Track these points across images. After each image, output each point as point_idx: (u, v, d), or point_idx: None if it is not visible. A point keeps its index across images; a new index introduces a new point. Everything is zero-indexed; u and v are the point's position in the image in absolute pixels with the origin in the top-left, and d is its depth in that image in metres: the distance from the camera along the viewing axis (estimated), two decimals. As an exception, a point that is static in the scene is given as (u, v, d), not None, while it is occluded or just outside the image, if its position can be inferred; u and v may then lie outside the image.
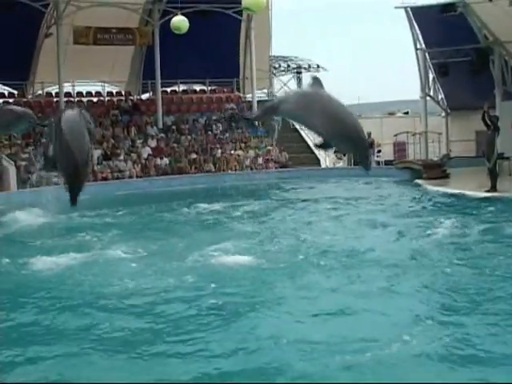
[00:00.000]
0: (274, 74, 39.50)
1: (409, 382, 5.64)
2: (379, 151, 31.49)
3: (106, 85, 34.76)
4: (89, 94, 34.10)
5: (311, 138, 32.39)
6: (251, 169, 29.38)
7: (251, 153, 30.37)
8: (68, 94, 32.61)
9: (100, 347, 6.91)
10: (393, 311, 7.93)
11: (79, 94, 33.76)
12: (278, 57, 40.05)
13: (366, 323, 7.52)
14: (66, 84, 31.52)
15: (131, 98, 34.22)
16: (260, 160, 29.98)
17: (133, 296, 8.82)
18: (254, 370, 6.22)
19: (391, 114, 41.33)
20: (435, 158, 28.82)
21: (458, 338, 6.76)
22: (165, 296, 8.80)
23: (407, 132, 30.88)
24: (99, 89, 34.53)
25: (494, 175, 19.98)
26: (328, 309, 8.09)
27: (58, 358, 6.65)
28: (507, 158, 24.26)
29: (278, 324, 7.60)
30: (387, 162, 30.62)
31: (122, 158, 28.32)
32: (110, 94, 34.61)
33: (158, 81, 31.41)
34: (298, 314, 7.96)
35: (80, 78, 33.45)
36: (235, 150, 30.54)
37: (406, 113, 41.15)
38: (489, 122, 20.01)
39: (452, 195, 20.18)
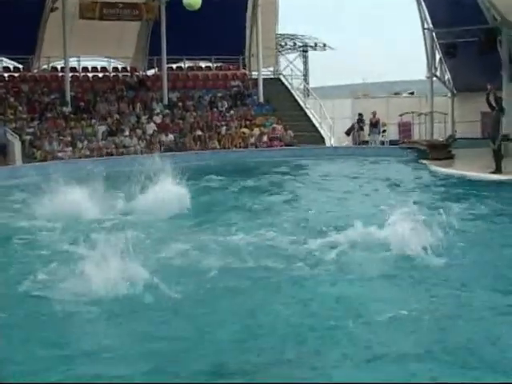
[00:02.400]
0: (280, 52, 39.35)
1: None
2: (384, 131, 31.40)
3: (112, 60, 34.68)
4: (94, 69, 34.02)
5: (316, 116, 32.39)
6: (256, 146, 29.37)
7: (256, 130, 30.32)
8: (73, 69, 32.58)
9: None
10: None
11: (85, 69, 33.71)
12: (284, 35, 39.91)
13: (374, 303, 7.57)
14: (71, 59, 31.50)
15: (137, 73, 34.17)
16: (265, 138, 29.93)
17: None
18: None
19: (397, 93, 41.20)
20: (440, 139, 28.77)
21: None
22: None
23: (412, 112, 30.81)
24: (105, 64, 34.48)
25: (498, 156, 19.94)
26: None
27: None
28: (512, 140, 24.18)
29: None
30: (392, 142, 30.57)
31: (127, 133, 28.32)
32: (115, 69, 34.53)
33: (164, 57, 31.31)
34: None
35: (86, 52, 33.35)
36: (240, 127, 30.51)
37: (412, 93, 41.02)
38: (493, 103, 19.95)
39: (456, 176, 20.17)
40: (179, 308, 7.49)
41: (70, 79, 30.28)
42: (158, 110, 30.66)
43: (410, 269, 8.91)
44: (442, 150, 25.67)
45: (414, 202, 13.97)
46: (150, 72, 35.38)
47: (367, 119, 30.54)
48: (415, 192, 16.98)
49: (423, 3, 30.36)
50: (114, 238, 8.27)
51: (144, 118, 29.78)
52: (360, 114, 31.00)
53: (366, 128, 30.53)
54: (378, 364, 5.90)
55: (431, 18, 30.35)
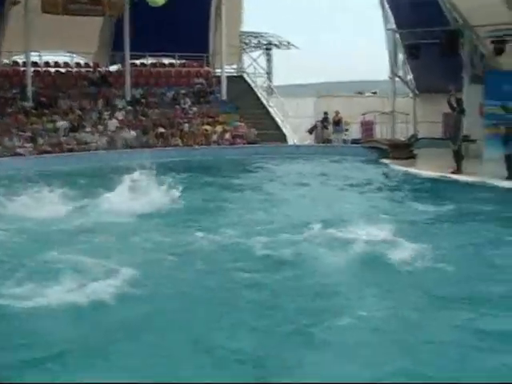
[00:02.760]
0: (245, 50, 39.28)
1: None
2: (346, 130, 31.51)
3: (74, 55, 34.31)
4: (56, 64, 33.63)
5: (280, 115, 32.42)
6: (218, 144, 29.29)
7: (219, 128, 30.25)
8: (35, 64, 32.20)
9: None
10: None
11: (47, 63, 33.32)
12: (248, 32, 39.80)
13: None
14: (33, 53, 31.12)
15: (99, 69, 33.87)
16: (227, 136, 29.87)
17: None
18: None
19: (360, 93, 41.37)
20: (402, 139, 28.96)
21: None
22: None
23: (375, 111, 30.97)
24: (67, 59, 34.12)
25: (459, 157, 20.20)
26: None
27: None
28: (473, 141, 24.46)
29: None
30: (354, 141, 30.69)
31: (88, 129, 28.09)
32: (78, 64, 34.19)
33: (127, 53, 31.03)
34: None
35: (48, 47, 32.95)
36: (203, 124, 30.41)
37: (375, 92, 41.21)
38: (455, 105, 20.16)
39: (417, 175, 20.35)
40: (135, 312, 7.42)
41: (31, 74, 29.92)
42: (121, 106, 30.44)
43: (370, 269, 8.96)
44: (403, 150, 25.85)
45: (373, 201, 14.11)
46: (113, 68, 35.08)
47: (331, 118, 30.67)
48: (375, 191, 17.11)
49: (386, 4, 30.53)
50: (73, 239, 8.20)
51: (106, 114, 29.54)
52: (325, 113, 31.08)
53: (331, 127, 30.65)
54: (337, 367, 5.92)
55: (394, 19, 30.53)
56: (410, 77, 32.23)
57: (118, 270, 8.27)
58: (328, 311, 7.37)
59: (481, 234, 11.44)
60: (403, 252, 9.48)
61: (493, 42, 25.00)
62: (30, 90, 29.31)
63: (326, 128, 30.68)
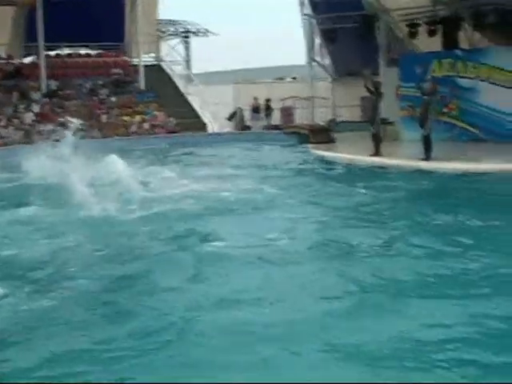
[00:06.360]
0: (162, 38, 38.89)
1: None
2: (268, 115, 31.51)
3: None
4: (-34, 57, 32.66)
5: (199, 102, 32.18)
6: (138, 134, 28.93)
7: (138, 118, 29.88)
8: None
9: None
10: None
11: (-44, 57, 32.33)
12: (165, 20, 39.40)
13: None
14: None
15: (13, 61, 32.97)
16: (147, 125, 29.55)
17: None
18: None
19: (280, 78, 41.39)
20: (322, 123, 29.14)
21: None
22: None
23: (294, 97, 31.06)
24: (-23, 52, 33.15)
25: (377, 140, 20.39)
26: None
27: None
28: (391, 123, 24.77)
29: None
30: (274, 127, 30.71)
31: (3, 123, 27.36)
32: (-11, 56, 33.24)
33: (42, 44, 30.29)
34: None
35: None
36: (121, 115, 29.98)
37: (295, 78, 41.29)
38: (372, 88, 20.32)
39: (336, 159, 20.49)
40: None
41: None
42: (37, 99, 29.71)
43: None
44: (323, 134, 25.96)
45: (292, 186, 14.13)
46: (28, 60, 34.21)
47: (246, 105, 30.62)
48: (295, 176, 17.15)
49: (302, -12, 30.66)
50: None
51: (22, 108, 28.83)
52: (255, 99, 30.94)
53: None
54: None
55: (310, 4, 30.66)
56: (328, 61, 32.44)
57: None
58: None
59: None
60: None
61: (407, 25, 25.37)
62: None
63: (270, 115, 30.69)
